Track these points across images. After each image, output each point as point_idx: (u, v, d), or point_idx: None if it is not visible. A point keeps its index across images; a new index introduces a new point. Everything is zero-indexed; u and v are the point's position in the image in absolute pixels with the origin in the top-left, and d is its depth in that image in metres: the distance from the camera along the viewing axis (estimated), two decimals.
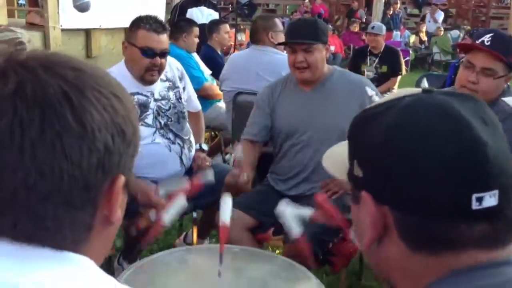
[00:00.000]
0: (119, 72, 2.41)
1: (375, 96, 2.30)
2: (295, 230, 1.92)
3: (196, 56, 4.32)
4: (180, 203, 1.97)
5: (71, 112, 0.55)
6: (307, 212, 2.01)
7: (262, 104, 2.50)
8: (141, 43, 2.36)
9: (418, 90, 0.71)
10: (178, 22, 4.43)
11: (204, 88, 3.99)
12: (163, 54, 2.41)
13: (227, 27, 4.77)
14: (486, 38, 1.99)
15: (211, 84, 4.19)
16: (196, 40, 4.23)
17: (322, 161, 0.88)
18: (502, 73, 1.97)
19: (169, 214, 1.92)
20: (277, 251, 2.96)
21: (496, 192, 0.62)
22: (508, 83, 2.05)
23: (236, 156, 2.34)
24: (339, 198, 2.24)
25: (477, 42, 2.02)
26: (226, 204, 1.68)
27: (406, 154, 0.64)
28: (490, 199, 0.62)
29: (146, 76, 2.41)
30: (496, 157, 0.63)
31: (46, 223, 0.55)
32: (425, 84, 2.07)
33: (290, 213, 1.91)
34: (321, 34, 2.34)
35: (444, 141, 0.62)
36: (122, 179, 0.61)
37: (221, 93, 3.90)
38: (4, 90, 0.54)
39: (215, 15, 5.63)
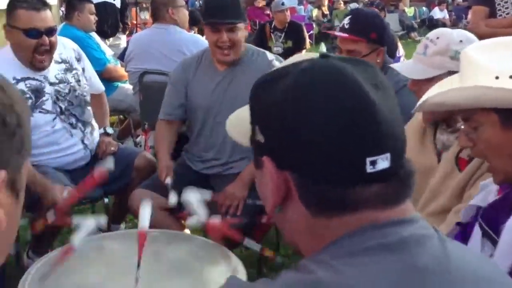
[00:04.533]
0: (4, 58, 2.24)
1: (275, 61, 2.34)
2: (202, 215, 1.92)
3: (95, 36, 4.12)
4: (89, 225, 1.86)
5: None
6: (206, 195, 2.02)
7: (175, 82, 2.45)
8: (23, 24, 2.19)
9: (316, 55, 0.72)
10: (70, 0, 4.18)
11: (107, 70, 3.83)
12: (50, 32, 2.25)
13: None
14: (346, 21, 2.16)
15: (115, 65, 4.02)
16: (93, 17, 4.02)
17: (226, 125, 0.88)
18: (366, 52, 2.11)
19: (79, 238, 1.80)
20: (194, 230, 2.96)
21: (388, 155, 0.65)
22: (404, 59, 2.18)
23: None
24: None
25: (340, 25, 2.19)
26: (145, 210, 1.61)
27: (302, 119, 0.65)
28: (383, 162, 0.65)
29: (35, 61, 2.25)
30: (387, 120, 0.65)
31: None
32: (323, 48, 2.17)
33: (194, 200, 1.90)
34: (242, 12, 2.33)
35: (337, 106, 0.64)
36: (1, 174, 0.55)
37: (126, 74, 3.77)
38: None
39: None
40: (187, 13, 3.60)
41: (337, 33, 2.17)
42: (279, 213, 0.71)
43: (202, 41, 3.39)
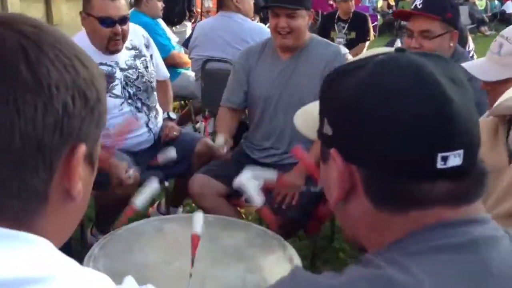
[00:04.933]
0: (80, 43, 2.33)
1: (348, 54, 2.30)
2: (257, 200, 1.95)
3: (162, 23, 4.21)
4: (152, 186, 1.96)
5: (26, 66, 0.52)
6: (269, 175, 2.03)
7: (238, 70, 2.46)
8: (98, 13, 2.28)
9: (391, 49, 0.71)
10: None
11: (171, 56, 3.91)
12: (123, 20, 2.33)
13: None
14: (418, 2, 2.06)
15: (179, 52, 4.10)
16: (160, 4, 4.11)
17: (294, 119, 0.88)
18: (439, 31, 2.02)
19: (141, 199, 1.91)
20: (250, 218, 2.99)
21: (461, 152, 0.63)
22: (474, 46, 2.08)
23: (217, 144, 2.33)
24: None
25: (412, 8, 2.10)
26: (198, 218, 1.63)
27: (374, 111, 0.64)
28: (455, 159, 0.63)
29: (110, 46, 2.34)
30: (463, 116, 0.63)
31: None
32: (398, 44, 2.09)
33: (249, 184, 1.92)
34: (306, 0, 2.30)
35: (412, 99, 0.63)
36: (82, 148, 0.56)
37: (189, 61, 3.83)
38: None
39: None
40: (251, 1, 3.61)
41: (410, 10, 2.09)
42: (342, 206, 0.71)
43: (266, 30, 3.38)
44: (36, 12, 4.38)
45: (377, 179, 0.66)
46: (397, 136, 0.63)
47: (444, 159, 0.62)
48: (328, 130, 0.69)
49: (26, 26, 0.55)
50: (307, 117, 0.81)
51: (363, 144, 0.65)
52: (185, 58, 4.00)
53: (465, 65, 1.73)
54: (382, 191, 0.66)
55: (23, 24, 0.55)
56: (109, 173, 2.20)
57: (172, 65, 3.85)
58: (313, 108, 0.78)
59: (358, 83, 0.66)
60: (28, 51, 0.53)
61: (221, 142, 2.30)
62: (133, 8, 4.11)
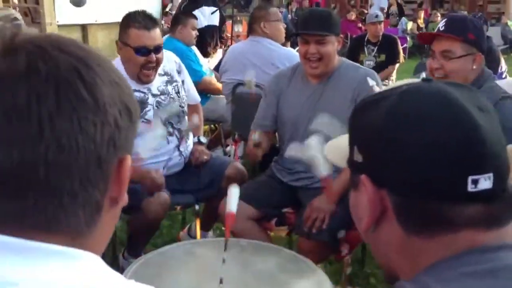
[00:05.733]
0: None
1: (375, 87, 2.28)
2: (323, 169, 1.82)
3: (195, 49, 4.30)
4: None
5: (84, 86, 0.56)
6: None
7: (269, 93, 2.49)
8: (134, 42, 2.34)
9: (418, 80, 0.74)
10: (176, 15, 4.39)
11: (203, 81, 3.97)
12: (157, 49, 2.39)
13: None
14: (441, 24, 2.06)
15: (211, 77, 4.17)
16: (194, 32, 4.21)
17: (325, 152, 0.91)
18: (460, 52, 2.00)
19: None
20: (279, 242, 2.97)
21: (491, 175, 0.64)
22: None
23: (254, 139, 2.30)
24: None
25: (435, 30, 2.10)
26: (234, 194, 1.67)
27: (404, 138, 0.66)
28: (485, 182, 0.64)
29: (142, 76, 2.41)
30: (491, 141, 0.65)
31: (63, 200, 0.55)
32: (423, 75, 2.08)
33: (318, 148, 1.83)
34: (335, 26, 2.32)
35: (441, 125, 0.65)
36: (129, 159, 0.61)
37: (221, 86, 3.88)
38: (17, 67, 0.54)
39: (216, 12, 5.53)
40: (281, 27, 3.65)
41: (432, 32, 2.10)
42: (372, 233, 0.72)
43: (295, 55, 3.41)
44: None
45: (408, 204, 0.67)
46: (426, 159, 0.64)
47: (475, 182, 0.64)
48: (358, 157, 0.71)
49: (73, 48, 0.58)
50: (338, 147, 0.84)
51: (393, 169, 0.67)
52: (217, 84, 4.04)
53: (500, 82, 1.71)
54: (414, 215, 0.67)
55: (69, 46, 0.59)
56: (141, 180, 2.23)
57: (204, 90, 3.90)
58: (342, 139, 0.80)
59: (385, 111, 0.68)
60: (81, 72, 0.56)
61: (257, 137, 2.28)
62: (167, 35, 4.21)
